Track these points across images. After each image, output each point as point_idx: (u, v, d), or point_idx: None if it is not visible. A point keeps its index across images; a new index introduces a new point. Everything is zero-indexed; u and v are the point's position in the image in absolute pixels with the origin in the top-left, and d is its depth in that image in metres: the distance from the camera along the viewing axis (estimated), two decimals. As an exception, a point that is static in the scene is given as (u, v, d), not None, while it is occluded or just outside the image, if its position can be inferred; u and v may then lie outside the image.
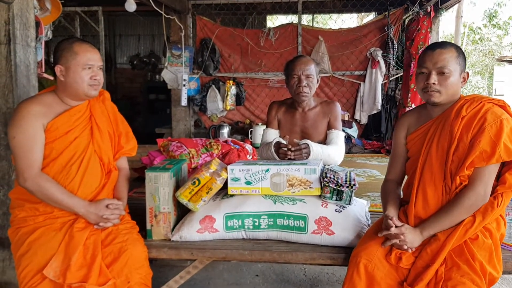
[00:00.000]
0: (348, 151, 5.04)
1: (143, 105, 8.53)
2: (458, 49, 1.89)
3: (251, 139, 5.51)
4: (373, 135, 6.01)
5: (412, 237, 1.79)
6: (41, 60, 2.77)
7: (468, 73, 1.91)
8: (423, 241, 1.82)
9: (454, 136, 1.81)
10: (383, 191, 2.09)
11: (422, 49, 2.31)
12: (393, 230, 1.78)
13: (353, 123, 5.73)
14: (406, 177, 2.11)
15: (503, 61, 13.93)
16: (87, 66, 1.99)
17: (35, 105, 1.95)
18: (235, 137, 5.58)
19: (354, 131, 5.56)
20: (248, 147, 3.50)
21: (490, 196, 1.80)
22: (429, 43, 5.14)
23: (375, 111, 5.88)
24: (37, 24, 2.64)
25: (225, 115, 6.23)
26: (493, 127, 1.75)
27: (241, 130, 6.07)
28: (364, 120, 6.06)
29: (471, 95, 1.90)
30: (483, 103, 1.83)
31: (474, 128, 1.78)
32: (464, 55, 1.91)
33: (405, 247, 1.78)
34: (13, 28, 2.34)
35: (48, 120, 1.96)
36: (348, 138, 5.24)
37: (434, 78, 1.84)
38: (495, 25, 15.53)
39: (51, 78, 2.79)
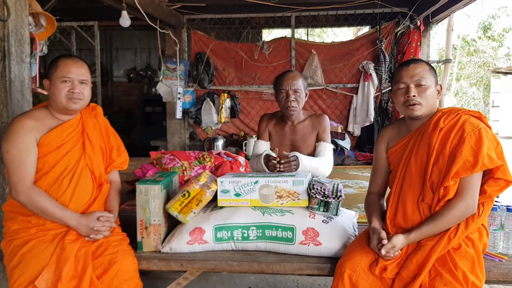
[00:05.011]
0: (341, 163, 5.09)
1: (139, 118, 8.57)
2: (429, 64, 1.98)
3: (245, 151, 5.55)
4: (366, 147, 6.05)
5: (397, 244, 1.82)
6: (35, 75, 2.83)
7: (441, 86, 1.99)
8: (407, 251, 1.86)
9: (432, 148, 1.86)
10: (367, 203, 2.15)
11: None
12: (385, 249, 1.80)
13: (346, 135, 5.78)
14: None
15: (498, 72, 14.03)
16: (65, 78, 2.03)
17: (28, 119, 2.00)
18: (229, 150, 5.62)
19: (347, 143, 5.61)
20: (241, 159, 3.55)
21: None
22: (419, 57, 5.23)
23: (368, 123, 5.93)
24: (32, 40, 2.69)
25: (219, 127, 6.28)
26: (472, 137, 1.81)
27: (236, 143, 6.10)
28: (357, 132, 6.11)
29: (448, 108, 1.97)
30: (459, 114, 1.89)
31: (454, 139, 1.84)
32: (435, 70, 1.99)
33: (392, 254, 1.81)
34: (8, 44, 2.39)
35: (41, 135, 2.01)
36: (341, 150, 5.29)
37: (414, 91, 1.91)
38: (489, 37, 15.68)
39: (45, 92, 2.83)
